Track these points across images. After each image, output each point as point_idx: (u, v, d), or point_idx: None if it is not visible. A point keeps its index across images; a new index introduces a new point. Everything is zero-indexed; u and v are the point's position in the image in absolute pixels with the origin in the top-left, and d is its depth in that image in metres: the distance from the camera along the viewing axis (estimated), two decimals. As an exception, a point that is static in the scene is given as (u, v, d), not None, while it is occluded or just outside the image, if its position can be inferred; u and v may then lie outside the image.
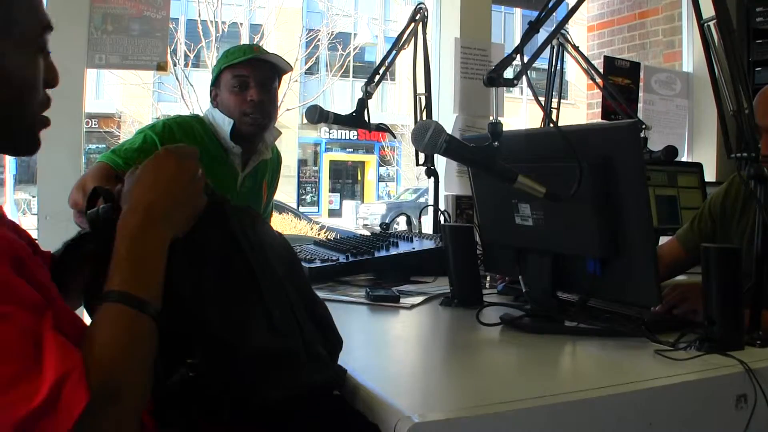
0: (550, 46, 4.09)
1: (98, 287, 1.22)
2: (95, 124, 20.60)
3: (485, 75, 1.84)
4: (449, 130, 1.85)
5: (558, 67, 4.28)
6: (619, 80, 5.24)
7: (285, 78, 3.27)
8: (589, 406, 1.40)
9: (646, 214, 1.83)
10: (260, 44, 3.16)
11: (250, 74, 2.96)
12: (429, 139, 1.81)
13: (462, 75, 4.40)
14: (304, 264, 2.64)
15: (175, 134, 2.86)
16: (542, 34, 2.05)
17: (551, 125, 1.97)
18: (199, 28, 18.04)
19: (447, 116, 4.36)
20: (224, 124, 2.94)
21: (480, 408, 1.31)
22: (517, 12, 25.42)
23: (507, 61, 1.89)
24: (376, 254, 2.87)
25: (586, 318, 1.97)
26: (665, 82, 5.63)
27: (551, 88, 4.35)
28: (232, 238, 1.42)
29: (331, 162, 31.17)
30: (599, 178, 1.83)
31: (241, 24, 20.46)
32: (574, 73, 10.62)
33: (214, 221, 1.43)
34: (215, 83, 3.05)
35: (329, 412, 1.62)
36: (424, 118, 3.84)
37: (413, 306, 2.35)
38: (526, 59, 1.88)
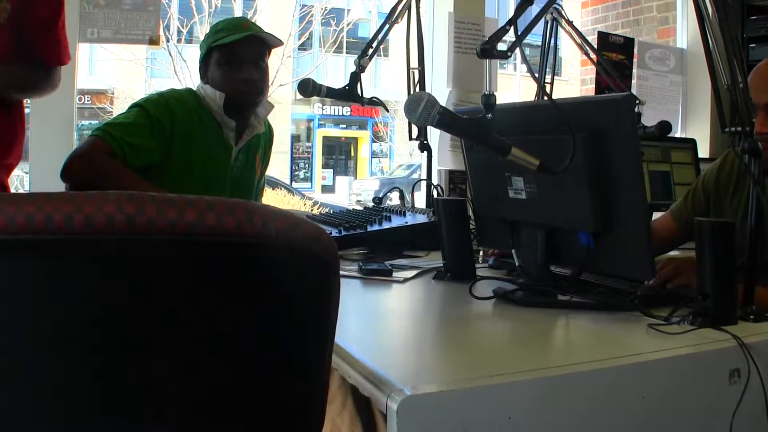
0: (543, 21, 4.09)
1: None
2: (88, 100, 20.55)
3: (479, 47, 1.83)
4: (443, 105, 1.84)
5: (552, 43, 4.27)
6: (613, 56, 5.23)
7: (278, 53, 3.27)
8: (582, 380, 1.40)
9: (639, 187, 1.82)
10: (253, 20, 3.15)
11: (241, 52, 2.93)
12: (422, 111, 1.80)
13: (455, 49, 4.38)
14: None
15: (171, 107, 2.84)
16: (536, 9, 2.04)
17: (545, 98, 1.96)
18: (192, 3, 17.95)
19: (440, 91, 4.34)
20: (216, 98, 2.92)
21: (472, 381, 1.30)
22: (511, -13, 25.34)
23: (500, 33, 1.87)
24: (369, 228, 2.87)
25: (579, 292, 1.97)
26: (659, 58, 5.62)
27: (545, 64, 4.33)
28: None
29: (324, 138, 31.14)
30: (593, 151, 1.83)
31: (234, -1, 20.39)
32: (567, 50, 10.56)
33: None
34: (205, 60, 3.03)
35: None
36: (418, 92, 3.82)
37: (406, 280, 2.35)
38: (519, 32, 1.87)
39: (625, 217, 1.83)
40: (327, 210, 9.57)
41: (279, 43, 3.07)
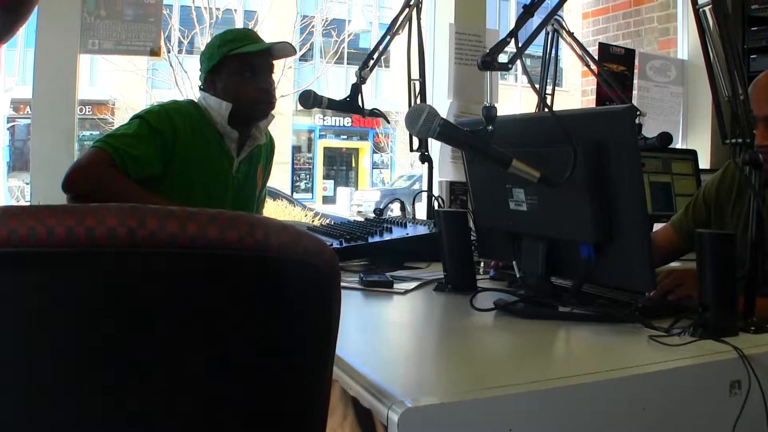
0: (544, 32, 4.10)
1: None
2: (89, 111, 20.60)
3: (480, 59, 1.83)
4: (444, 116, 1.84)
5: (553, 54, 4.27)
6: (614, 67, 5.23)
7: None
8: (583, 392, 1.40)
9: (640, 199, 1.83)
10: (255, 30, 3.18)
11: (258, 62, 2.97)
12: (423, 123, 1.80)
13: (456, 61, 4.37)
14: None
15: (173, 118, 2.84)
16: (537, 20, 2.04)
17: (546, 110, 1.96)
18: (193, 14, 17.98)
19: (441, 102, 4.33)
20: (221, 108, 2.92)
21: (473, 393, 1.30)
22: (512, -1, 25.37)
23: (501, 45, 1.88)
24: (370, 240, 2.87)
25: (580, 303, 1.97)
26: (660, 69, 5.62)
27: (546, 75, 4.34)
28: None
29: (326, 149, 31.17)
30: (594, 163, 1.83)
31: (236, 10, 20.41)
32: (568, 60, 10.56)
33: None
34: (216, 69, 3.02)
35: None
36: (419, 103, 3.82)
37: (407, 291, 2.35)
38: (520, 44, 1.87)
39: (626, 228, 1.84)
40: (328, 221, 9.56)
41: (294, 52, 3.14)
